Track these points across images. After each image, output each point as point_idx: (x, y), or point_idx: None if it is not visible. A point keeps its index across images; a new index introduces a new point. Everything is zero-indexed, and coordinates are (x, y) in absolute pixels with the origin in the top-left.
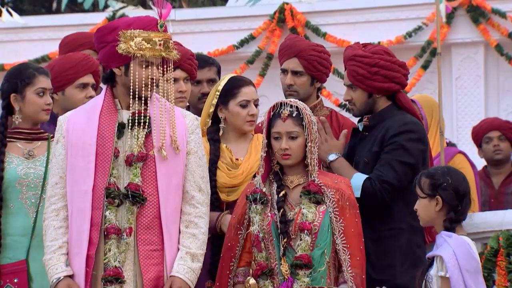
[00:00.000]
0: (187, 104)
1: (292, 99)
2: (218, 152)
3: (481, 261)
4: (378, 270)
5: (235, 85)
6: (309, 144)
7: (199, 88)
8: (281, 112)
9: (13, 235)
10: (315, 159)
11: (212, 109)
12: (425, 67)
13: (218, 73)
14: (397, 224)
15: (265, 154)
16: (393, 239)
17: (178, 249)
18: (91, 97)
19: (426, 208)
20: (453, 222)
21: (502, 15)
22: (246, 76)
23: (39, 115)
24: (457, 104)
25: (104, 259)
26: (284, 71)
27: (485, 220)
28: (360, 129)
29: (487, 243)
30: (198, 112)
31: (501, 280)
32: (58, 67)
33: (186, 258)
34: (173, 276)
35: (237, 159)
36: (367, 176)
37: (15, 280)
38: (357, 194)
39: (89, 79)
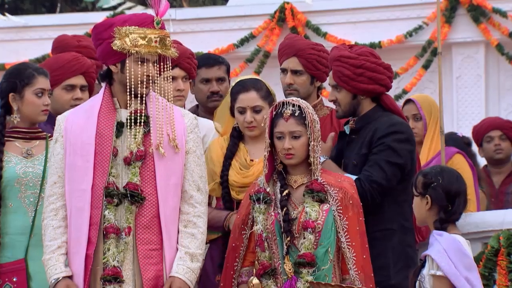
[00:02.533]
0: (196, 103)
1: (294, 98)
2: (235, 149)
3: (481, 261)
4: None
5: (235, 90)
6: (312, 143)
7: (208, 86)
8: (284, 111)
9: (12, 234)
10: (318, 157)
11: (228, 111)
12: (426, 66)
13: (227, 71)
14: (388, 225)
15: (268, 154)
16: (385, 239)
17: (177, 249)
18: (77, 99)
19: (418, 207)
20: (443, 223)
21: (503, 14)
22: (244, 75)
23: (37, 115)
24: (457, 104)
25: (103, 259)
26: (283, 71)
27: (486, 219)
28: (347, 132)
29: (487, 242)
30: (207, 111)
31: (502, 279)
32: (47, 67)
33: (185, 258)
34: (173, 277)
35: (251, 160)
36: (356, 177)
37: (14, 279)
38: None
39: (77, 80)
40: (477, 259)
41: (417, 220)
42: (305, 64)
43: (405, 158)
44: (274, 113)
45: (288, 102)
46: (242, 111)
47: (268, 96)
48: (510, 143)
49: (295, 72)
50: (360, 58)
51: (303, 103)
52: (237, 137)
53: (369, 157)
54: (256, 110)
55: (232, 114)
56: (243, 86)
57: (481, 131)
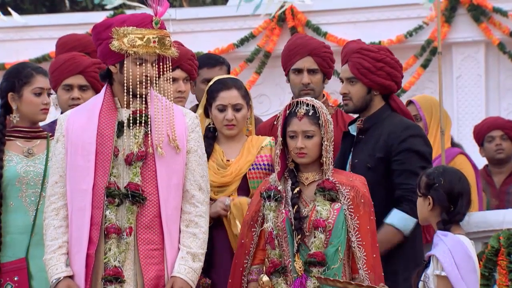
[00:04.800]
0: (196, 103)
1: (308, 98)
2: (211, 150)
3: (482, 261)
4: None
5: (215, 88)
6: (325, 143)
7: None
8: (297, 110)
9: (13, 233)
10: (330, 157)
11: (201, 110)
12: (424, 66)
13: (228, 72)
14: None
15: (280, 152)
16: (396, 245)
17: (179, 249)
18: (74, 98)
19: (421, 207)
20: (446, 223)
21: (504, 14)
22: (245, 75)
23: (36, 114)
24: (457, 104)
25: (104, 259)
26: (298, 71)
27: (486, 219)
28: (351, 132)
29: (487, 242)
30: None
31: (502, 279)
32: (50, 68)
33: (187, 258)
34: (174, 277)
35: (228, 160)
36: (400, 210)
37: (15, 278)
38: (408, 229)
39: (74, 80)
40: (477, 259)
41: (419, 220)
42: (320, 63)
43: (430, 160)
44: (287, 112)
45: (302, 101)
46: (223, 109)
47: (246, 95)
48: (511, 143)
49: (311, 71)
50: (381, 52)
51: (317, 103)
52: (211, 137)
53: (395, 167)
54: (236, 108)
55: (206, 115)
56: (224, 84)
57: (482, 131)
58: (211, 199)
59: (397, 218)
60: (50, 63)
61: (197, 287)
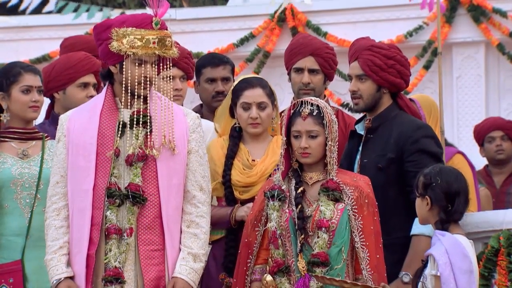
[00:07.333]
0: (200, 103)
1: (313, 98)
2: (236, 149)
3: (482, 261)
4: (389, 278)
5: (239, 87)
6: (329, 143)
7: (213, 86)
8: (302, 110)
9: (8, 235)
10: (335, 158)
11: (227, 111)
12: (427, 67)
13: (232, 71)
14: (407, 233)
15: (284, 152)
16: (403, 246)
17: (180, 249)
18: (91, 96)
19: (419, 207)
20: (444, 223)
21: (503, 14)
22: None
23: (25, 112)
24: (457, 104)
25: (105, 259)
26: (298, 70)
27: (486, 219)
28: (358, 131)
29: (487, 242)
30: (211, 110)
31: (502, 279)
32: (59, 66)
33: (188, 259)
34: (175, 277)
35: (253, 160)
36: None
37: (10, 280)
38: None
39: (90, 78)
40: (477, 259)
41: (419, 220)
42: (322, 63)
43: (442, 161)
44: (292, 111)
45: (307, 101)
46: (247, 107)
47: (271, 94)
48: (511, 143)
49: (312, 71)
50: (392, 50)
51: (322, 102)
52: (237, 137)
53: (408, 168)
54: (261, 106)
55: (232, 115)
56: (248, 83)
57: (483, 131)
58: (236, 200)
59: (423, 226)
60: (59, 60)
61: (221, 286)
